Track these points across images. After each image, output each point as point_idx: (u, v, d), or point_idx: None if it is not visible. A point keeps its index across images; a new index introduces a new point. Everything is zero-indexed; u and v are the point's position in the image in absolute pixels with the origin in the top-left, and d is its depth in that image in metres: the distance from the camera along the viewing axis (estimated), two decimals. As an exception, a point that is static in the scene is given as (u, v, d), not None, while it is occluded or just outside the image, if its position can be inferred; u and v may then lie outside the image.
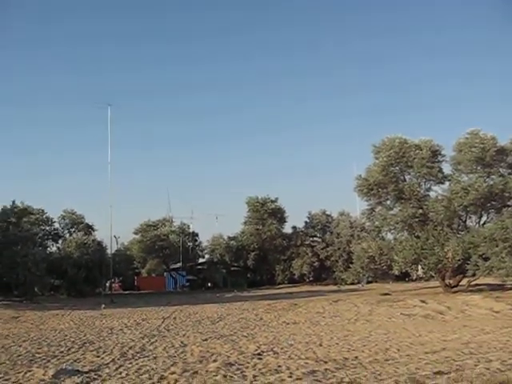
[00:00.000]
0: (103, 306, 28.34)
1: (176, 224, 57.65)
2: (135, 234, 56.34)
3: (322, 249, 51.41)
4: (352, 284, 38.96)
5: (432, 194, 30.88)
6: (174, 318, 21.70)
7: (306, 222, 55.48)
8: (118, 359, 11.55)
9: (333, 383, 8.56)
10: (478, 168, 28.98)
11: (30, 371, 10.20)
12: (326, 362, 10.44)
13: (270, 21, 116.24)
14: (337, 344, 13.04)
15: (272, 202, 55.22)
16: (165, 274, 62.67)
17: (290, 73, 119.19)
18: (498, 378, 8.28)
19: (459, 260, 26.76)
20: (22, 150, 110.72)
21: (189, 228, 58.17)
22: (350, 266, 33.02)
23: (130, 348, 13.27)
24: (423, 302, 23.60)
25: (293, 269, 52.55)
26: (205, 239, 58.76)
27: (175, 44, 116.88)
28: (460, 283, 29.98)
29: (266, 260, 55.82)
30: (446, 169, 30.59)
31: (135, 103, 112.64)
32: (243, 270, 58.07)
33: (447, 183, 30.38)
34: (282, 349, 12.48)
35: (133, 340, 14.92)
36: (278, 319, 20.17)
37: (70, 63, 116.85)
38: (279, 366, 10.17)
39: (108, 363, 11.06)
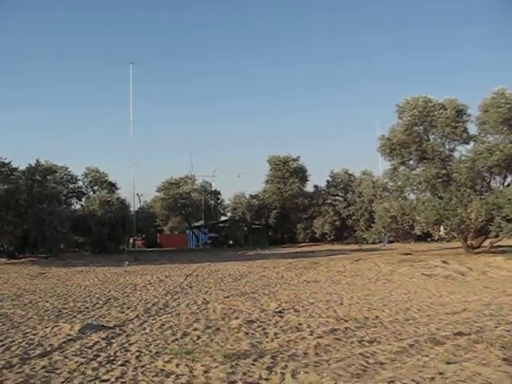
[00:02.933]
0: (127, 262, 28.80)
1: (198, 182, 57.93)
2: (158, 191, 56.71)
3: (344, 208, 51.41)
4: (373, 243, 39.05)
5: (456, 154, 30.57)
6: (197, 276, 21.99)
7: (327, 181, 55.41)
8: (142, 315, 11.79)
9: (353, 342, 8.66)
10: (504, 128, 28.49)
11: (56, 326, 10.47)
12: (346, 321, 10.56)
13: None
14: (357, 303, 13.14)
15: (294, 160, 55.12)
16: (187, 231, 63.34)
17: (318, 34, 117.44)
18: (519, 339, 8.31)
19: (482, 221, 26.57)
20: (48, 104, 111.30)
21: (211, 186, 58.39)
22: (372, 225, 32.99)
23: (154, 304, 13.53)
24: (445, 262, 23.59)
25: (314, 227, 52.73)
26: (227, 197, 59.07)
27: (201, 7, 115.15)
28: (482, 244, 29.85)
29: (288, 218, 56.04)
30: (471, 129, 30.19)
31: (159, 63, 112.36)
32: (265, 228, 58.42)
33: (472, 143, 30.00)
34: (302, 307, 12.63)
35: (156, 296, 15.19)
36: (298, 277, 20.35)
37: (97, 26, 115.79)
38: (300, 324, 10.31)
39: (132, 319, 11.31)
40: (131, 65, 42.97)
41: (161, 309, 12.75)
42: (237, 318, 11.24)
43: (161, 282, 19.48)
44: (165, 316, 11.63)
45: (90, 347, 8.64)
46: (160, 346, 8.67)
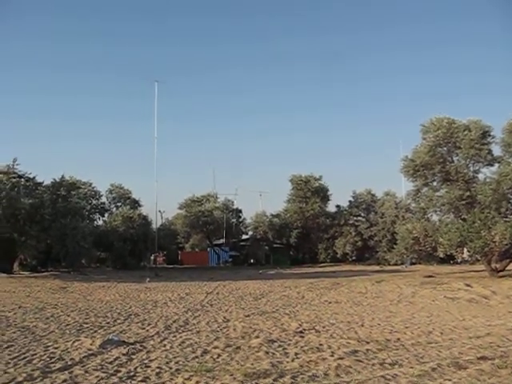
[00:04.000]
0: (148, 279, 28.89)
1: (220, 200, 58.11)
2: (180, 209, 56.96)
3: (366, 228, 51.16)
4: (395, 265, 38.80)
5: (480, 176, 30.36)
6: (217, 293, 21.98)
7: (350, 201, 55.24)
8: (163, 332, 11.81)
9: (374, 364, 8.58)
10: (529, 150, 28.28)
11: (78, 340, 10.53)
12: (367, 343, 10.46)
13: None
14: (379, 325, 13.02)
15: (316, 180, 55.09)
16: (208, 249, 63.39)
17: (338, 53, 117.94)
18: (543, 365, 8.17)
19: (507, 244, 26.22)
20: (72, 116, 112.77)
21: (233, 204, 58.56)
22: (394, 246, 32.78)
23: (174, 321, 13.54)
24: (468, 285, 23.30)
25: (335, 248, 52.51)
26: (248, 216, 59.12)
27: (222, 18, 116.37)
28: (507, 268, 29.44)
29: (309, 238, 55.87)
30: (496, 151, 29.96)
31: (184, 78, 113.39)
32: (286, 247, 58.30)
33: (496, 165, 29.74)
34: (323, 327, 12.55)
35: (177, 314, 15.20)
36: (319, 298, 20.23)
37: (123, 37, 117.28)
38: (321, 345, 10.24)
39: (153, 335, 11.32)
40: (156, 83, 43.45)
41: (181, 326, 12.75)
42: (257, 337, 11.19)
43: (181, 300, 19.49)
44: (185, 333, 11.63)
45: (110, 362, 8.66)
46: (180, 363, 8.66)
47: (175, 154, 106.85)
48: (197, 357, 9.17)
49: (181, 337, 11.16)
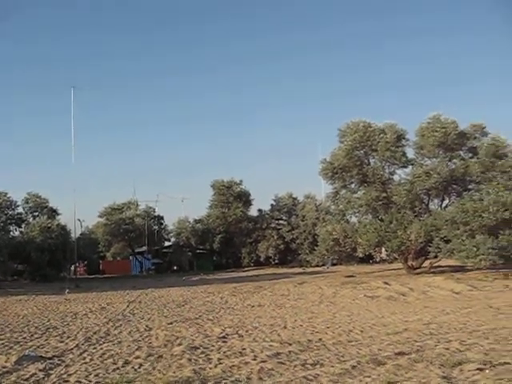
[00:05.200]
0: (67, 290, 28.07)
1: (141, 207, 57.23)
2: (100, 217, 55.66)
3: (288, 231, 51.69)
4: (317, 266, 39.48)
5: (395, 177, 31.39)
6: (140, 302, 21.64)
7: (271, 205, 55.68)
8: (82, 344, 11.51)
9: (296, 365, 8.67)
10: (440, 152, 29.50)
11: (-8, 357, 10.09)
12: (290, 344, 10.57)
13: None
14: (301, 326, 13.20)
15: (237, 184, 55.22)
16: (130, 257, 62.29)
17: (260, 56, 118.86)
18: (457, 357, 8.49)
19: (421, 242, 27.26)
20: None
21: (154, 211, 57.77)
22: (315, 248, 33.35)
23: (95, 333, 13.22)
24: (386, 283, 24.00)
25: (258, 251, 52.78)
26: (170, 222, 58.55)
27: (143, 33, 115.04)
28: (422, 265, 30.55)
29: (232, 243, 55.92)
30: (410, 153, 31.07)
31: (101, 88, 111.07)
32: (209, 252, 58.12)
33: (410, 167, 30.84)
34: (246, 331, 12.59)
35: (97, 325, 14.86)
36: (243, 302, 20.28)
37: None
38: (244, 349, 10.26)
39: (72, 348, 11.01)
40: (72, 88, 42.32)
41: (102, 337, 12.46)
42: (180, 344, 11.09)
43: (102, 310, 19.05)
44: (106, 344, 11.38)
45: (26, 379, 8.34)
46: (100, 375, 8.46)
47: (94, 164, 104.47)
48: (118, 368, 8.99)
49: (101, 348, 10.91)
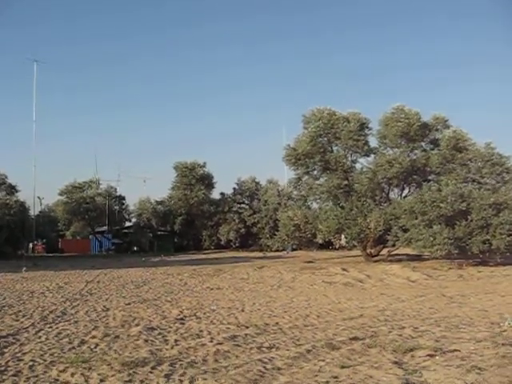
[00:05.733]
0: (24, 268, 27.65)
1: (103, 186, 56.69)
2: (60, 195, 54.90)
3: (249, 216, 51.86)
4: (277, 251, 39.74)
5: (358, 166, 31.73)
6: (98, 282, 21.50)
7: (234, 189, 55.73)
8: (38, 323, 11.41)
9: (252, 348, 8.77)
10: (403, 142, 29.89)
11: None
12: (247, 327, 10.67)
13: None
14: (259, 310, 13.32)
15: (200, 167, 55.03)
16: (90, 236, 61.73)
17: (225, 39, 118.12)
18: (409, 343, 8.71)
19: (380, 231, 27.66)
20: None
21: (116, 191, 57.29)
22: (276, 233, 33.54)
23: (51, 312, 13.11)
24: (344, 270, 24.33)
25: (219, 234, 52.87)
26: (132, 203, 58.14)
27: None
28: (380, 253, 31.04)
29: (193, 225, 55.85)
30: (372, 142, 31.40)
31: (64, 57, 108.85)
32: (170, 234, 57.96)
33: (372, 156, 31.20)
34: (204, 314, 12.65)
35: (54, 304, 14.73)
36: (202, 284, 20.33)
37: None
38: (201, 331, 10.32)
39: (27, 327, 10.91)
40: (35, 63, 41.45)
41: (58, 316, 12.37)
42: (137, 325, 11.09)
43: (60, 289, 18.87)
44: (62, 324, 11.30)
45: (-21, 357, 8.26)
46: (55, 354, 8.41)
47: (56, 140, 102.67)
48: (73, 348, 8.95)
49: (57, 328, 10.83)
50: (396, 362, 7.56)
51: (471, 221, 24.67)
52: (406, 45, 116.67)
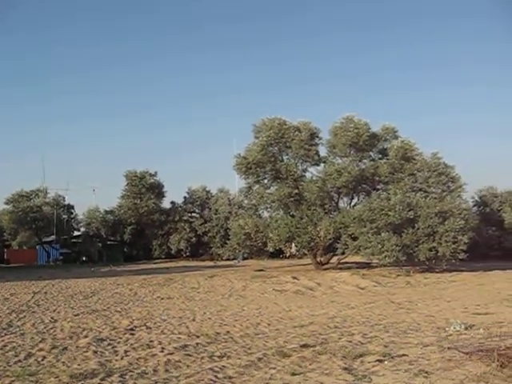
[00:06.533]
0: (-33, 280, 26.89)
1: (50, 195, 55.52)
2: (6, 204, 53.51)
3: (200, 225, 51.65)
4: (228, 260, 39.70)
5: (308, 175, 32.00)
6: (45, 293, 21.06)
7: (185, 198, 55.40)
8: (-18, 336, 11.10)
9: (204, 357, 8.75)
10: (352, 152, 30.33)
11: None
12: (198, 337, 10.64)
13: None
14: (210, 319, 13.29)
15: (151, 175, 54.52)
16: (37, 246, 60.33)
17: (174, 49, 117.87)
18: (359, 349, 8.85)
19: (330, 239, 27.99)
20: None
21: (64, 200, 56.20)
22: (227, 242, 33.51)
23: (-4, 324, 12.78)
24: (295, 278, 24.50)
25: (170, 244, 52.46)
26: (81, 212, 57.13)
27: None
28: (330, 261, 31.38)
29: (144, 235, 55.26)
30: (322, 151, 31.77)
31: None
32: (120, 244, 57.17)
33: (322, 165, 31.53)
34: (155, 324, 12.55)
35: (-1, 316, 14.37)
36: (152, 294, 20.16)
37: None
38: (151, 341, 10.24)
39: (-29, 340, 10.60)
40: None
41: (4, 329, 12.07)
42: (86, 336, 10.92)
43: (5, 301, 18.40)
44: (8, 336, 11.03)
45: None
46: (1, 368, 8.21)
47: (2, 147, 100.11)
48: (20, 361, 8.75)
49: (3, 340, 10.56)
50: (346, 368, 7.66)
51: (418, 229, 25.25)
52: (355, 51, 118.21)
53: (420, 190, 28.59)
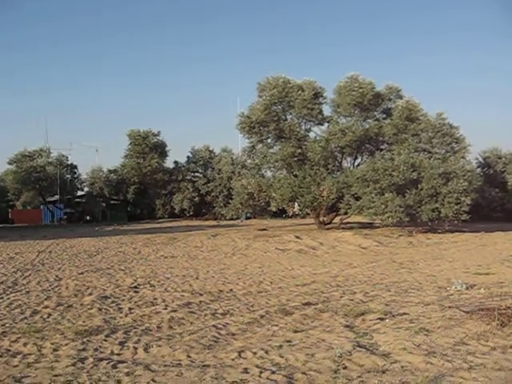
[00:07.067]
0: (-28, 238, 27.10)
1: (54, 155, 55.42)
2: (9, 164, 53.48)
3: (203, 184, 51.66)
4: (231, 219, 39.81)
5: (311, 134, 31.85)
6: (50, 252, 21.22)
7: (188, 157, 55.30)
8: (-12, 294, 11.23)
9: (207, 314, 8.85)
10: (356, 111, 30.12)
11: None
12: (201, 295, 10.74)
13: None
14: (213, 277, 13.40)
15: (154, 135, 54.31)
16: (41, 206, 60.57)
17: (182, 14, 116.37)
18: (360, 308, 8.93)
19: (333, 199, 27.99)
20: None
21: (67, 160, 56.13)
22: (230, 201, 33.58)
23: (2, 283, 12.92)
24: (298, 237, 24.60)
25: (173, 203, 52.56)
26: (84, 172, 57.16)
27: None
28: (333, 221, 31.48)
29: (147, 194, 55.39)
30: (326, 111, 31.52)
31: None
32: (123, 203, 57.37)
33: (326, 125, 31.35)
34: (158, 282, 12.67)
35: (5, 274, 14.50)
36: (156, 253, 20.29)
37: None
38: (155, 299, 10.35)
39: (-23, 297, 10.73)
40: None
41: (9, 287, 12.20)
42: (90, 294, 11.05)
43: (11, 260, 18.57)
44: (13, 294, 11.15)
45: None
46: (7, 325, 8.32)
47: (4, 106, 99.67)
48: (25, 318, 8.86)
49: (8, 298, 10.69)
50: (347, 326, 7.75)
51: (421, 189, 25.21)
52: (360, 15, 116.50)
53: (424, 150, 28.47)
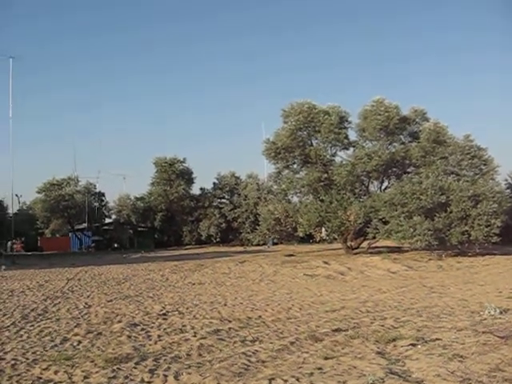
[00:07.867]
0: (3, 267, 27.40)
1: (82, 183, 56.31)
2: (39, 193, 54.42)
3: (230, 210, 51.84)
4: (258, 245, 39.76)
5: (337, 159, 31.85)
6: (79, 280, 21.35)
7: (214, 184, 55.67)
8: (19, 322, 11.28)
9: (236, 341, 8.78)
10: (382, 135, 30.06)
11: None
12: (230, 321, 10.67)
13: None
14: (241, 304, 13.32)
15: (180, 162, 54.87)
16: (69, 234, 61.25)
17: (206, 35, 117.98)
18: (391, 334, 8.78)
19: (360, 223, 27.84)
20: None
21: (95, 188, 56.94)
22: (257, 227, 33.59)
23: (32, 310, 12.98)
24: (326, 263, 24.44)
25: (200, 230, 52.76)
26: (111, 199, 57.84)
27: None
28: (361, 245, 31.24)
29: (174, 221, 55.71)
30: (352, 135, 31.54)
31: (36, 54, 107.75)
32: (150, 230, 57.76)
33: (352, 149, 31.32)
34: (187, 309, 12.63)
35: (35, 302, 14.59)
36: (183, 280, 20.29)
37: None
38: (184, 326, 10.31)
39: (8, 326, 10.79)
40: (11, 59, 40.89)
41: (40, 314, 12.26)
42: (119, 321, 11.04)
43: (40, 287, 18.71)
44: (44, 322, 11.20)
45: (-40, 356, 8.15)
46: (38, 353, 8.34)
47: (34, 137, 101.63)
48: (56, 345, 8.88)
49: (39, 326, 10.74)
50: (379, 352, 7.61)
51: (450, 212, 24.94)
52: (386, 38, 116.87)
53: (452, 173, 28.24)
